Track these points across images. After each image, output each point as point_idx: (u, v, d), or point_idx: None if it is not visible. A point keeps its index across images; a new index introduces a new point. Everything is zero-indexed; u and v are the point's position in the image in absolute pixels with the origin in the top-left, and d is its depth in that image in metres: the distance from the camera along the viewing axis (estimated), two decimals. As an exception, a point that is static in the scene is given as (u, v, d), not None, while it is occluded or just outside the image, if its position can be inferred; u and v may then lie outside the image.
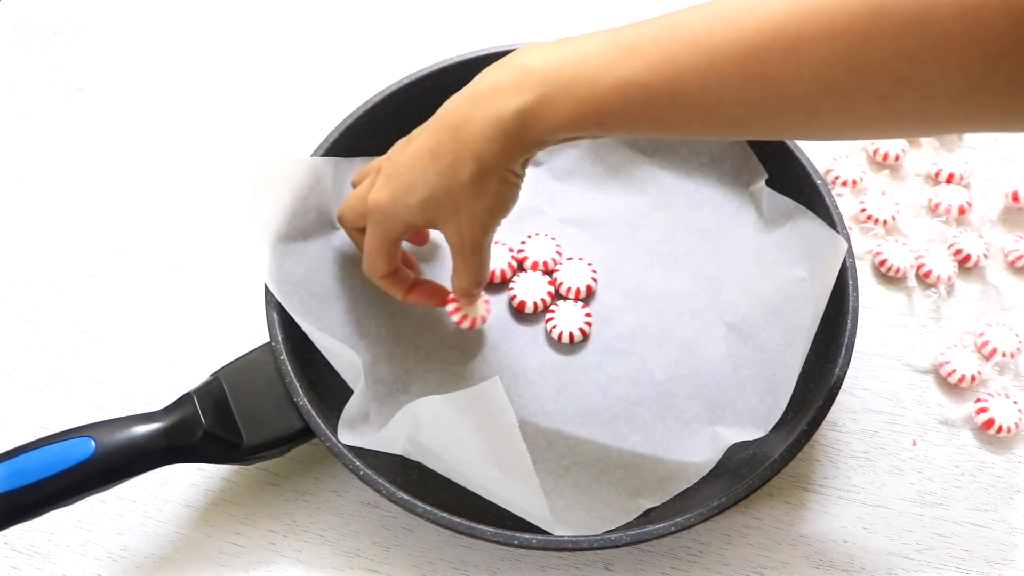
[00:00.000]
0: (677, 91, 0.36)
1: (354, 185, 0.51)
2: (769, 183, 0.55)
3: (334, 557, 0.47)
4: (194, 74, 0.68)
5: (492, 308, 0.54)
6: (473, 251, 0.45)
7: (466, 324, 0.53)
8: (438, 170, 0.42)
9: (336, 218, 0.51)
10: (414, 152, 0.43)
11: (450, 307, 0.53)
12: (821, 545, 0.47)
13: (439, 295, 0.51)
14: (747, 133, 0.42)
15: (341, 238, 0.54)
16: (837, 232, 0.50)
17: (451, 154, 0.41)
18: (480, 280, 0.47)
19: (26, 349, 0.55)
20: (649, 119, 0.38)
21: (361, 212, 0.47)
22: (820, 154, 0.60)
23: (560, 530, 0.43)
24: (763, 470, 0.43)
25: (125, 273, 0.58)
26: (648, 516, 0.45)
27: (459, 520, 0.42)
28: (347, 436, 0.45)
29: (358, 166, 0.56)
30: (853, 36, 0.33)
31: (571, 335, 0.52)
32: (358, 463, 0.43)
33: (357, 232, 0.49)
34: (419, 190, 0.43)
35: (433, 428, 0.44)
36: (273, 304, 0.48)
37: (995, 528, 0.47)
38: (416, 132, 0.45)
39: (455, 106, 0.42)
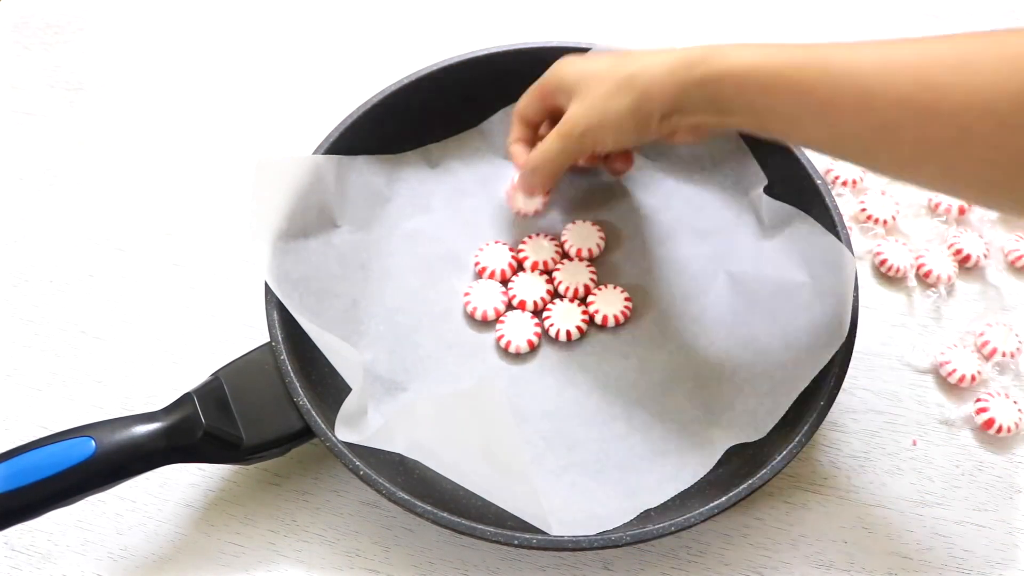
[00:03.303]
0: (847, 74, 0.38)
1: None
2: (770, 183, 0.55)
3: (334, 557, 0.47)
4: (195, 74, 0.68)
5: (547, 202, 0.57)
6: (564, 137, 0.48)
7: (513, 210, 0.57)
8: (607, 65, 0.46)
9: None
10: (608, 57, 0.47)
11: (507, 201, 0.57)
12: (821, 545, 0.47)
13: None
14: (889, 148, 0.40)
15: (342, 236, 0.54)
16: (838, 232, 0.50)
17: (626, 60, 0.45)
18: (542, 167, 0.50)
19: (26, 349, 0.55)
20: (812, 100, 0.39)
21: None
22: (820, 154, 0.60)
23: (557, 529, 0.43)
24: (763, 470, 0.43)
25: (125, 273, 0.58)
26: (646, 516, 0.45)
27: (459, 520, 0.42)
28: (344, 433, 0.45)
29: (359, 165, 0.56)
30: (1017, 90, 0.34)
31: (568, 333, 0.52)
32: (358, 463, 0.43)
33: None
34: (584, 68, 0.48)
35: (431, 426, 0.44)
36: (273, 303, 0.48)
37: (995, 528, 0.47)
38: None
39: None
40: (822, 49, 0.40)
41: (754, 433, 0.47)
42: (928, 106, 0.36)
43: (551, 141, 0.49)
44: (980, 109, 0.35)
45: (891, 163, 0.40)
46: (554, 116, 0.51)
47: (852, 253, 0.49)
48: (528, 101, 0.52)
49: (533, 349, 0.52)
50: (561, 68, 0.49)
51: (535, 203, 0.56)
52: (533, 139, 0.53)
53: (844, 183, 0.60)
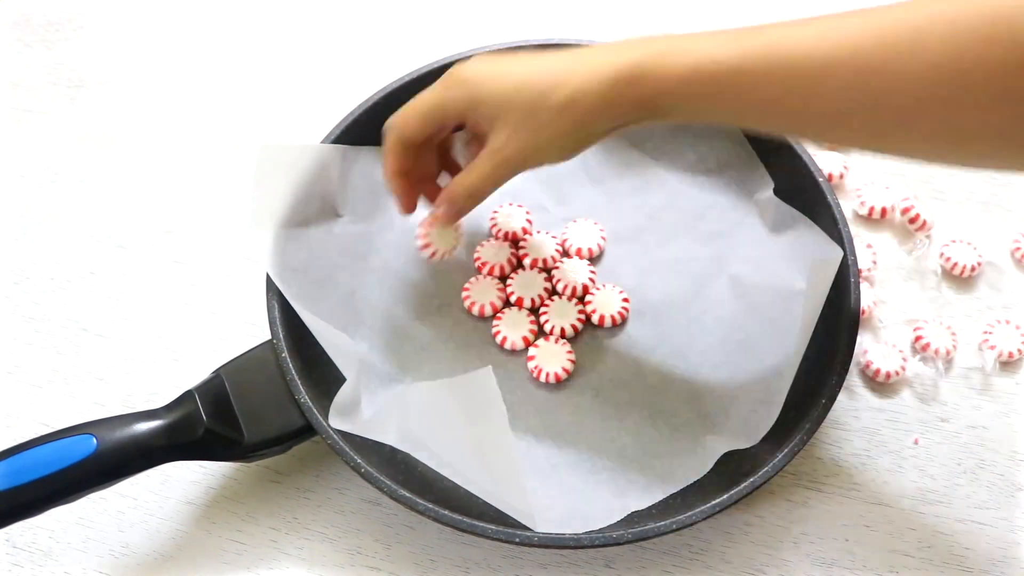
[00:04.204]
0: (792, 69, 0.37)
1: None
2: (772, 183, 0.54)
3: (336, 555, 0.47)
4: (196, 71, 0.68)
5: (463, 241, 0.54)
6: (499, 165, 0.44)
7: (427, 254, 0.53)
8: (535, 80, 0.42)
9: (385, 127, 0.47)
10: (519, 58, 0.44)
11: (419, 241, 0.54)
12: (823, 543, 0.47)
13: (412, 202, 0.50)
14: (843, 134, 0.40)
15: (342, 226, 0.54)
16: (839, 230, 0.50)
17: (557, 76, 0.42)
18: (476, 194, 0.47)
19: (27, 346, 0.55)
20: (757, 98, 0.39)
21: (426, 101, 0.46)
22: (820, 153, 0.60)
23: (542, 526, 0.43)
24: (765, 468, 0.43)
25: (126, 270, 0.58)
26: (632, 518, 0.45)
27: (461, 518, 0.42)
28: (337, 421, 0.45)
29: (364, 156, 0.56)
30: (968, 43, 0.34)
31: (562, 330, 0.52)
32: (360, 460, 0.43)
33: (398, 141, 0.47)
34: (505, 83, 0.43)
35: (423, 415, 0.44)
36: (274, 298, 0.48)
37: (996, 526, 0.47)
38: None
39: (568, 52, 0.44)
40: (761, 38, 0.38)
41: (746, 441, 0.47)
42: (873, 93, 0.36)
43: (486, 169, 0.45)
44: (922, 91, 0.35)
45: (843, 142, 0.41)
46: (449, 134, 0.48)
47: (854, 255, 0.49)
48: (420, 125, 0.46)
49: (528, 346, 0.52)
50: (474, 85, 0.44)
51: (452, 241, 0.54)
52: (415, 168, 0.48)
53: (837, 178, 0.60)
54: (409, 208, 0.50)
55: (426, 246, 0.53)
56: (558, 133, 0.43)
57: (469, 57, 0.46)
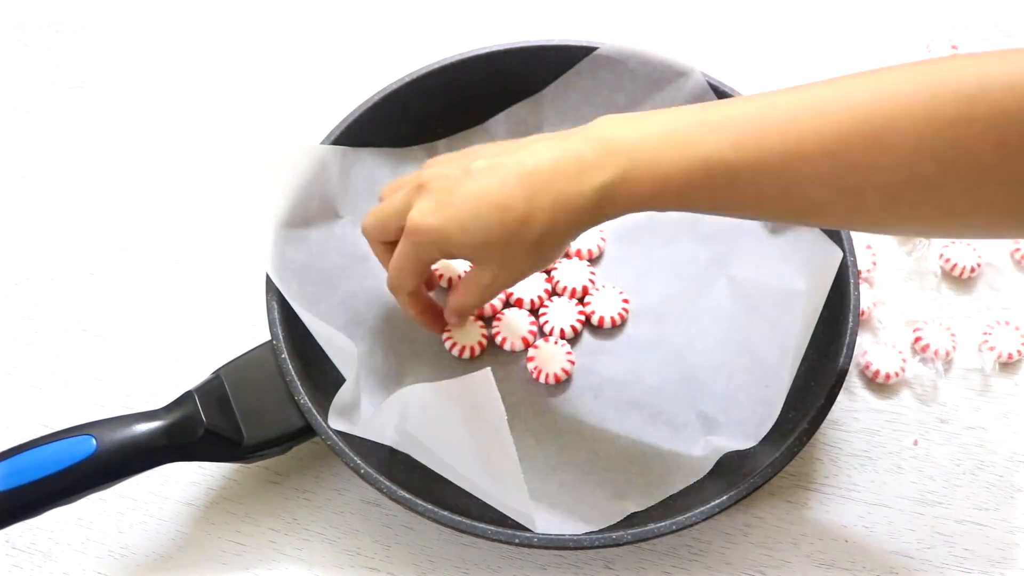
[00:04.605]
0: (761, 171, 0.37)
1: (382, 198, 0.49)
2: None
3: (335, 555, 0.47)
4: (196, 71, 0.68)
5: (486, 339, 0.53)
6: (489, 294, 0.46)
7: (455, 351, 0.52)
8: (502, 222, 0.41)
9: (361, 229, 0.48)
10: (476, 193, 0.42)
11: (447, 343, 0.52)
12: (822, 544, 0.47)
13: (440, 322, 0.51)
14: (825, 220, 0.42)
15: (343, 228, 0.54)
16: (839, 231, 0.50)
17: (521, 213, 0.41)
18: (473, 309, 0.49)
19: (27, 347, 0.55)
20: (730, 199, 0.39)
21: (393, 228, 0.45)
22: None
23: (541, 527, 0.43)
24: (764, 469, 0.43)
25: (126, 271, 0.58)
26: (631, 519, 0.45)
27: (460, 519, 0.42)
28: (336, 422, 0.45)
29: (364, 157, 0.56)
30: (942, 126, 0.33)
31: (562, 331, 0.52)
32: (359, 461, 0.43)
33: (383, 246, 0.48)
34: (474, 232, 0.42)
35: (421, 417, 0.44)
36: (274, 298, 0.48)
37: (996, 527, 0.47)
38: (470, 159, 0.43)
39: (533, 164, 0.41)
40: (727, 137, 0.37)
41: (746, 441, 0.47)
42: (852, 185, 0.36)
43: (478, 296, 0.46)
44: (902, 177, 0.35)
45: (826, 224, 0.43)
46: None
47: (854, 255, 0.49)
48: (414, 278, 0.47)
49: (528, 347, 0.52)
50: (441, 240, 0.43)
51: (476, 336, 0.53)
52: (426, 299, 0.50)
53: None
54: (439, 328, 0.51)
55: (453, 344, 0.52)
56: (536, 261, 0.44)
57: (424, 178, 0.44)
